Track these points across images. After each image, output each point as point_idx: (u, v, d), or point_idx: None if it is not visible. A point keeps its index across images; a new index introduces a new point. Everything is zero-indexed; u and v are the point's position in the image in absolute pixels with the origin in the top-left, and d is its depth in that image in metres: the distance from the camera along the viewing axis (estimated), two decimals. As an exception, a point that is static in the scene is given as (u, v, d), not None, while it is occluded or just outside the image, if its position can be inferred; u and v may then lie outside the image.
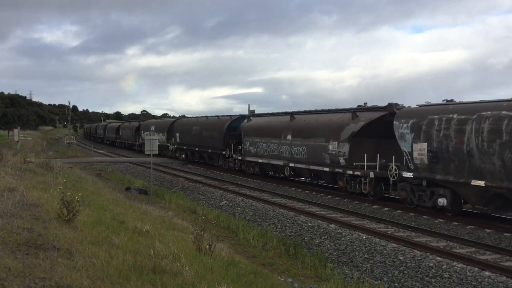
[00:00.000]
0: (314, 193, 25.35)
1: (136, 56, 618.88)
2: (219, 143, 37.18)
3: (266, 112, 38.82)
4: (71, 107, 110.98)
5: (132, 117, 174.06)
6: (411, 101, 25.72)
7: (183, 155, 45.92)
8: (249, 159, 32.64)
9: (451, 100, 19.93)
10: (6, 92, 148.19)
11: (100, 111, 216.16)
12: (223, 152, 36.36)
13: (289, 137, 28.03)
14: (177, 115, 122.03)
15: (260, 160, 31.16)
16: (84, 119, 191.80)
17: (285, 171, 28.34)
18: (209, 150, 39.35)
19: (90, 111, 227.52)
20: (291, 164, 27.42)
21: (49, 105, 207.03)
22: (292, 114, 29.08)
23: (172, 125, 50.32)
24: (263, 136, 30.98)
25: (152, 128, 55.59)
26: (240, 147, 34.38)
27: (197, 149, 42.01)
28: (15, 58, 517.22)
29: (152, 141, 26.09)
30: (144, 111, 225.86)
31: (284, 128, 28.73)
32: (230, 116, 38.87)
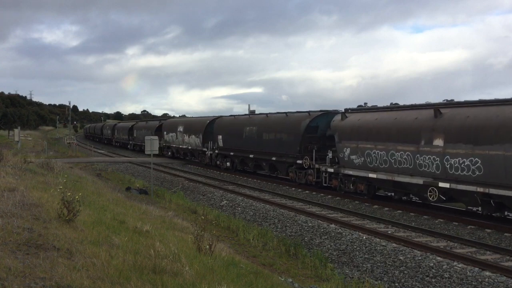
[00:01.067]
0: (314, 193, 25.34)
1: (136, 56, 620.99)
2: (293, 149, 27.79)
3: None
4: (71, 107, 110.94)
5: (133, 117, 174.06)
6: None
7: (228, 163, 36.22)
8: (349, 172, 23.14)
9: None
10: (6, 92, 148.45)
11: (100, 111, 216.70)
12: (299, 161, 27.08)
13: (438, 142, 18.31)
14: (177, 115, 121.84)
15: (372, 175, 21.72)
16: (84, 119, 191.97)
17: (428, 193, 18.84)
18: (273, 158, 29.72)
19: (90, 111, 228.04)
20: (444, 184, 17.94)
21: (49, 105, 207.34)
22: (437, 107, 19.01)
23: (211, 125, 40.29)
24: (379, 140, 21.40)
25: (180, 128, 46.05)
26: (330, 153, 25.38)
27: (251, 156, 32.31)
28: (15, 58, 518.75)
29: (153, 141, 26.06)
30: (144, 111, 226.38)
31: (425, 128, 18.99)
32: (308, 112, 28.72)
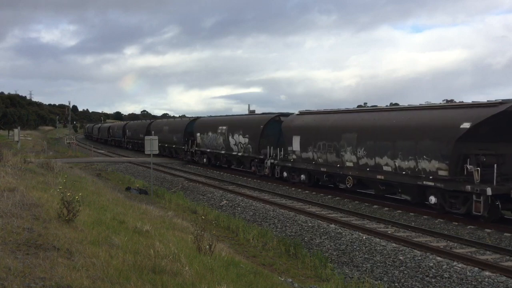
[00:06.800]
0: (314, 193, 25.33)
1: (134, 56, 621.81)
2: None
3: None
4: (71, 107, 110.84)
5: (132, 117, 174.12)
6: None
7: (303, 176, 26.97)
8: None
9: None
10: (6, 92, 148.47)
11: (100, 111, 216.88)
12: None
13: None
14: (177, 115, 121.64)
15: None
16: (84, 119, 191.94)
17: None
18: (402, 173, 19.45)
19: (90, 111, 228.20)
20: None
21: (49, 105, 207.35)
22: None
23: (275, 125, 30.50)
24: None
25: (222, 129, 35.84)
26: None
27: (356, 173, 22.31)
28: (13, 57, 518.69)
29: (153, 141, 26.05)
30: (144, 111, 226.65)
31: None
32: (461, 106, 18.15)
